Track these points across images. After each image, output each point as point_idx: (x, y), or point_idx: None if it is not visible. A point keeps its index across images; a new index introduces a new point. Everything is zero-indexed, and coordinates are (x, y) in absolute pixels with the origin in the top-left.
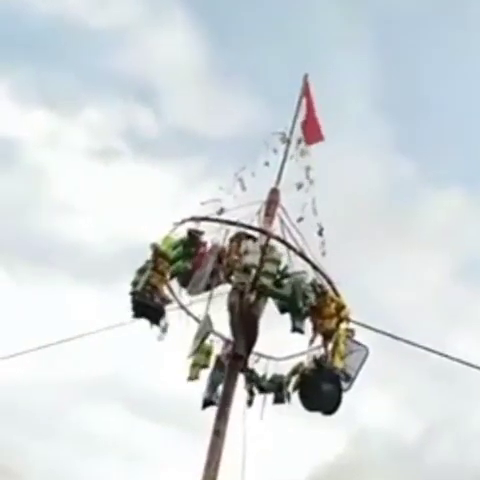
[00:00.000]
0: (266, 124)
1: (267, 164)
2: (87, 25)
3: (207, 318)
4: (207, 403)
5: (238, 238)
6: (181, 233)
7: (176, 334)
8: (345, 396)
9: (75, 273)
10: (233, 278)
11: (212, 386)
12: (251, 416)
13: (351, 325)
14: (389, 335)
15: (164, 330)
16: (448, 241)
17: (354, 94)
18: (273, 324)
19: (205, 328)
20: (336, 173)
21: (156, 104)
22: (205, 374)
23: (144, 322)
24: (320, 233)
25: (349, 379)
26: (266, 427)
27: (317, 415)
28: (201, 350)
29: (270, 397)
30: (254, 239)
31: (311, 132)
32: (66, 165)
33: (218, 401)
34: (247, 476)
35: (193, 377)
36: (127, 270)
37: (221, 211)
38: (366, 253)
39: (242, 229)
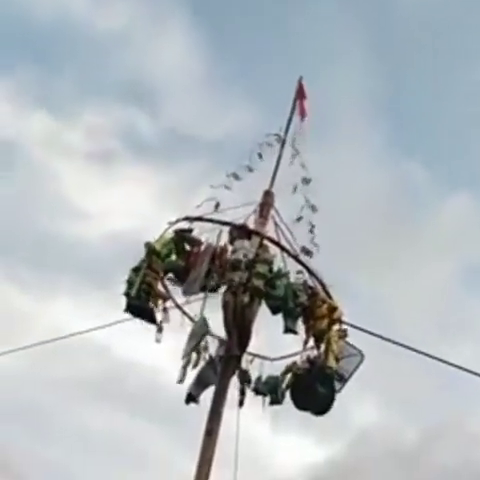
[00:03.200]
0: (263, 128)
1: (261, 157)
2: (88, 29)
3: (203, 319)
4: (191, 398)
5: (233, 237)
6: None
7: (172, 333)
8: (343, 397)
9: (74, 272)
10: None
11: (199, 383)
12: (248, 417)
13: (344, 327)
14: (381, 337)
15: (160, 331)
16: (455, 246)
17: (353, 99)
18: (268, 325)
19: (201, 330)
20: (339, 177)
21: (154, 107)
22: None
23: (139, 321)
24: (311, 231)
25: (342, 380)
26: (263, 427)
27: (314, 417)
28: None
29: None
30: (250, 238)
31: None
32: (64, 166)
33: (209, 399)
34: (241, 475)
35: (182, 379)
36: (125, 270)
37: (217, 206)
38: (370, 256)
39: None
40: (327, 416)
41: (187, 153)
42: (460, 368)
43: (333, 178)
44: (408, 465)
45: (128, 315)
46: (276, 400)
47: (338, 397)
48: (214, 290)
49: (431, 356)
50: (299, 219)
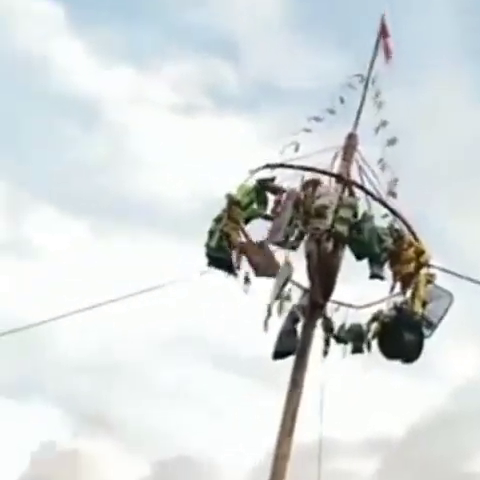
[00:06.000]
0: (348, 73)
1: (342, 101)
2: None
3: (287, 264)
4: (278, 355)
5: (312, 184)
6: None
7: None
8: (442, 345)
9: (157, 228)
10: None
11: (284, 337)
12: (343, 368)
13: (432, 270)
14: (473, 280)
15: (247, 281)
16: None
17: (444, 39)
18: (352, 272)
19: (284, 273)
20: (431, 119)
21: (237, 58)
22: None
23: (221, 276)
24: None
25: (431, 326)
26: (360, 380)
27: (412, 367)
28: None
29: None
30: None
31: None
32: (148, 121)
33: (295, 351)
34: (327, 428)
35: (266, 328)
36: (207, 223)
37: (297, 148)
38: (462, 198)
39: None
40: (427, 364)
41: (270, 102)
42: None
43: (425, 120)
44: None
45: (206, 267)
46: (359, 348)
47: (436, 345)
48: (298, 239)
49: None
50: (380, 161)
